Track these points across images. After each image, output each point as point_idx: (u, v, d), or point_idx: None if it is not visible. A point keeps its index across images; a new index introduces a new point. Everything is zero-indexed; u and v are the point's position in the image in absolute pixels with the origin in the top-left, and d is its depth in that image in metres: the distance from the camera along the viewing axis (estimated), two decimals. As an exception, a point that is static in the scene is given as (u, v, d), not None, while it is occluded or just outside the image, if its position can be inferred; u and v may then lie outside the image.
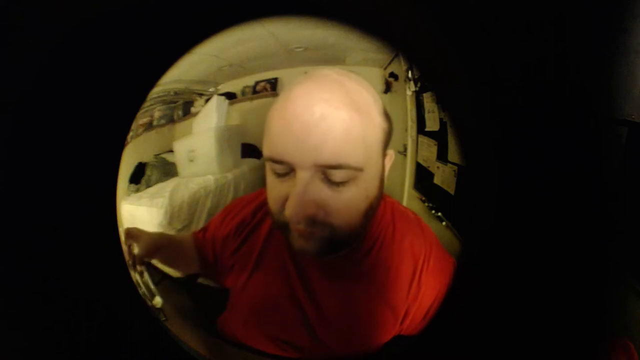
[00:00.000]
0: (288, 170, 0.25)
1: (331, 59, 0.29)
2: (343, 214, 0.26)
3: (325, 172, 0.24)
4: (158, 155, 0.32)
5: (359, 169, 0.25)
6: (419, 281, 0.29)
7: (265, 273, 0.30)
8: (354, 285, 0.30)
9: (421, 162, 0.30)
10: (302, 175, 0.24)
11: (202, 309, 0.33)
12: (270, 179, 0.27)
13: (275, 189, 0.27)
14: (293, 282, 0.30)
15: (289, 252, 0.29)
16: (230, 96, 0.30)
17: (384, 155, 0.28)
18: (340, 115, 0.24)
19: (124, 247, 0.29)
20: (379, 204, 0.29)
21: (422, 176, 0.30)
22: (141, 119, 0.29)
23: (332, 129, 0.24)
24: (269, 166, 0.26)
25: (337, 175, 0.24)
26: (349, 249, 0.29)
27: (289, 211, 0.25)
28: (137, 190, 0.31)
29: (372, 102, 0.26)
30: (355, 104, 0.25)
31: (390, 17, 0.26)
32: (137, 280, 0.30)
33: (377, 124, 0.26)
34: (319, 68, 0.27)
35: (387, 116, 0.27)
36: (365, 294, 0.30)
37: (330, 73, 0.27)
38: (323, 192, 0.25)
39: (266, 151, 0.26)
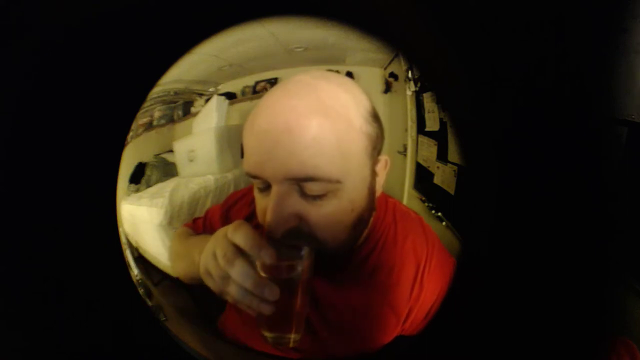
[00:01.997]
0: (266, 185, 0.24)
1: (331, 59, 0.29)
2: (327, 229, 0.25)
3: (300, 185, 0.23)
4: (158, 155, 0.32)
5: (336, 181, 0.24)
6: (421, 282, 0.29)
7: None
8: (356, 287, 0.30)
9: (421, 162, 0.30)
10: (277, 190, 0.24)
11: (202, 309, 0.33)
12: (256, 193, 0.26)
13: (259, 203, 0.26)
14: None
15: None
16: (230, 96, 0.30)
17: (375, 162, 0.26)
18: (307, 124, 0.23)
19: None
20: (371, 214, 0.28)
21: (422, 176, 0.30)
22: (141, 119, 0.29)
23: (298, 140, 0.22)
24: (252, 181, 0.26)
25: (312, 188, 0.23)
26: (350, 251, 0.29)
27: (266, 226, 0.24)
28: (137, 190, 0.31)
29: (352, 105, 0.25)
30: (327, 110, 0.23)
31: (390, 17, 0.26)
32: (137, 281, 0.30)
33: (357, 129, 0.24)
34: (296, 72, 0.26)
35: (376, 119, 0.26)
36: (368, 296, 0.29)
37: (304, 78, 0.25)
38: (301, 205, 0.24)
39: (244, 166, 0.25)
